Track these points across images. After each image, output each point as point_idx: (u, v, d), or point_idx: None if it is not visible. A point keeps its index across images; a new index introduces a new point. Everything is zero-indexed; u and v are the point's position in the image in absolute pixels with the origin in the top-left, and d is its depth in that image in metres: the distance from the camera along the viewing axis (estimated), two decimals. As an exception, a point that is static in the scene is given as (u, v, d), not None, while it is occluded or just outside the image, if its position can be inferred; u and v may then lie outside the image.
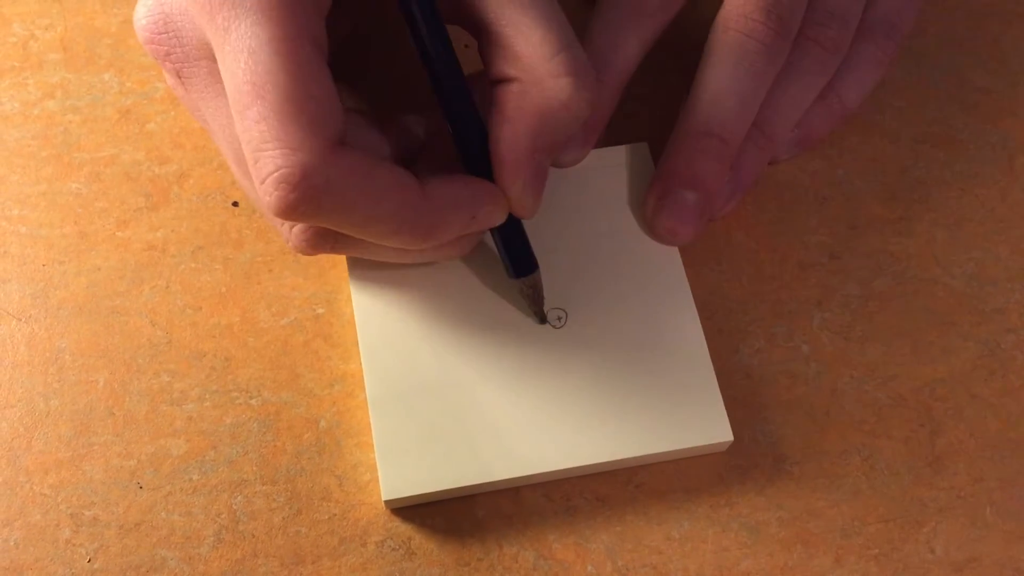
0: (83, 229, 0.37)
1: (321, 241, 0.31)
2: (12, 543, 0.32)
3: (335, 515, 0.33)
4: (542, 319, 0.35)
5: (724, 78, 0.36)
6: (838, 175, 0.40)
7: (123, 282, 0.36)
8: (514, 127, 0.30)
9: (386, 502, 0.32)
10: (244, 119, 0.27)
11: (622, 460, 0.33)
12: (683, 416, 0.34)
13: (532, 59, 0.30)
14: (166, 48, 0.31)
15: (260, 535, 0.33)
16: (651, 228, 0.36)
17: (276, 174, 0.27)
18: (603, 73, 0.37)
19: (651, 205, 0.36)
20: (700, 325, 0.35)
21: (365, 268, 0.35)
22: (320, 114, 0.27)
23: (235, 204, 0.38)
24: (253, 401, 0.35)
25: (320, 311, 0.36)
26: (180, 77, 0.31)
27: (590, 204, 0.37)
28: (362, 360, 0.34)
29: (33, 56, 0.40)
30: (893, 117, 0.41)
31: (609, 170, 0.38)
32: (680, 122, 0.37)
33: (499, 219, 0.32)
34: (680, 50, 0.39)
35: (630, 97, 0.38)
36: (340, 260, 0.37)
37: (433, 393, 0.33)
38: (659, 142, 0.37)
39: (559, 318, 0.35)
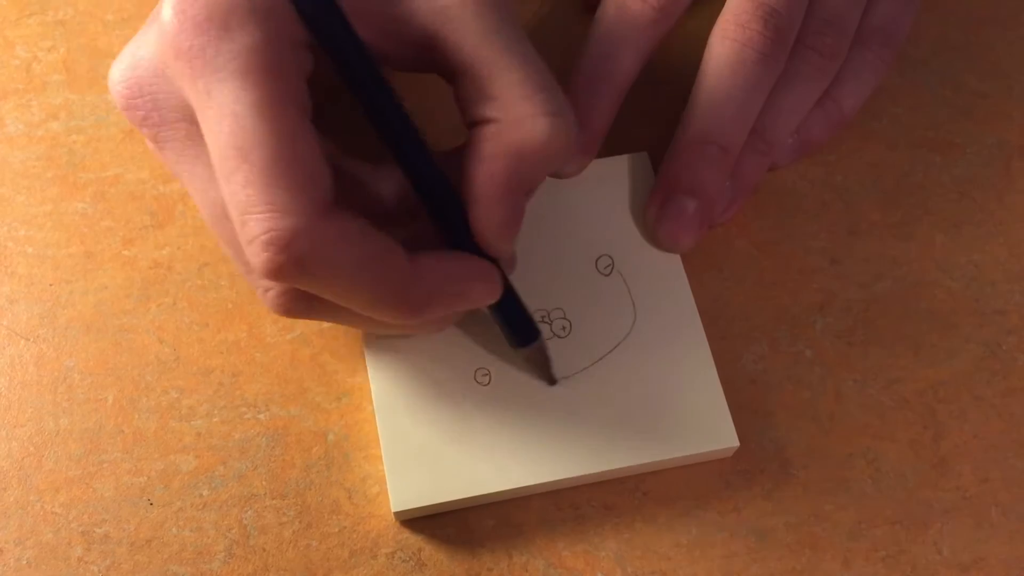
0: (89, 248, 0.37)
1: (296, 306, 0.31)
2: (24, 562, 0.32)
3: (345, 528, 0.33)
4: (551, 382, 0.34)
5: (722, 87, 0.36)
6: (837, 181, 0.40)
7: (130, 300, 0.36)
8: (490, 166, 0.29)
9: (395, 513, 0.33)
10: (230, 183, 0.27)
11: (630, 468, 0.33)
12: (689, 423, 0.34)
13: (510, 99, 0.29)
14: (143, 113, 0.30)
15: (271, 549, 0.33)
16: (653, 236, 0.37)
17: (264, 236, 0.26)
18: (602, 83, 0.37)
19: (652, 213, 0.37)
20: (703, 332, 0.35)
21: None
22: (308, 176, 0.27)
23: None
24: (261, 416, 0.35)
25: (326, 325, 0.36)
26: (156, 142, 0.31)
27: (592, 214, 0.37)
28: (368, 372, 0.34)
29: (36, 78, 0.41)
30: (890, 123, 0.41)
31: (610, 180, 0.38)
32: (679, 131, 0.37)
33: (492, 297, 0.32)
34: (679, 59, 0.39)
35: (629, 107, 0.38)
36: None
37: (440, 404, 0.34)
38: (659, 151, 0.38)
39: (563, 328, 0.35)
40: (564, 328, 0.35)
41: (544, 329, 0.35)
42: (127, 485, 0.34)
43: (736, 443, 0.34)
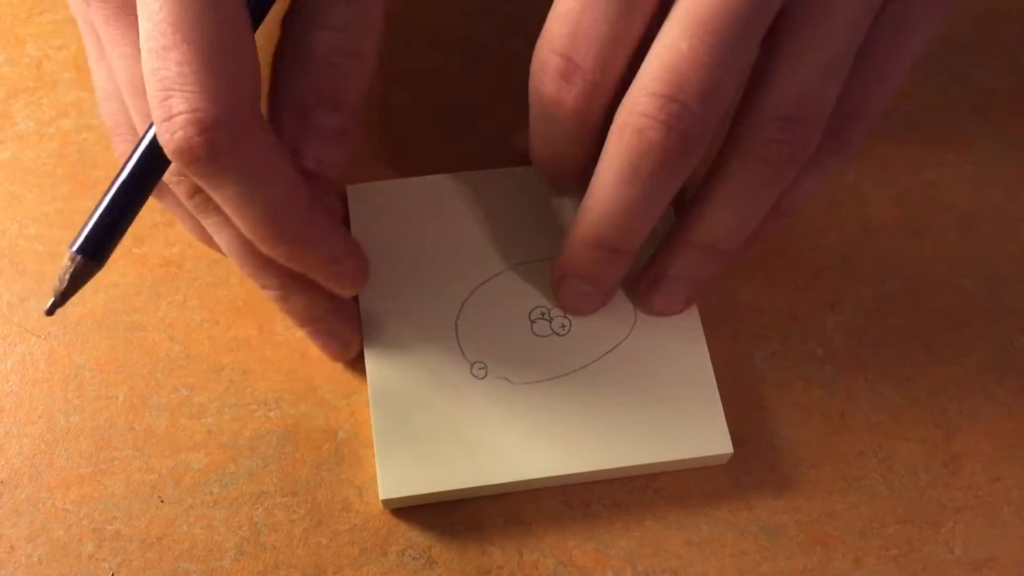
0: (100, 246, 0.37)
1: (199, 205, 0.31)
2: (36, 559, 0.32)
3: (355, 525, 0.33)
4: (50, 308, 0.30)
5: (615, 192, 0.31)
6: (848, 179, 0.40)
7: (141, 298, 0.36)
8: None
9: (384, 502, 0.33)
10: (162, 59, 0.26)
11: (622, 468, 0.33)
12: (684, 426, 0.34)
13: None
14: None
15: (281, 547, 0.33)
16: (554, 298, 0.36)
17: (188, 115, 0.26)
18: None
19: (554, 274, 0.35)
20: (703, 337, 0.35)
21: (372, 266, 0.36)
22: (241, 71, 0.27)
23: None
24: (272, 413, 0.35)
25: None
26: (88, 3, 0.30)
27: None
28: (366, 363, 0.34)
29: (47, 76, 0.41)
30: (901, 121, 0.41)
31: None
32: (578, 217, 0.33)
33: (345, 288, 0.33)
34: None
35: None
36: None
37: (435, 396, 0.34)
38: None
39: (563, 326, 0.35)
40: (563, 326, 0.35)
41: (543, 327, 0.35)
42: (138, 482, 0.34)
43: (730, 450, 0.33)
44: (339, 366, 0.36)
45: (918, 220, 0.39)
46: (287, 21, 0.32)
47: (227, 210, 0.29)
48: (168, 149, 0.27)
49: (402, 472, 0.33)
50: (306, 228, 0.30)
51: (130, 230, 0.37)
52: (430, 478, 0.33)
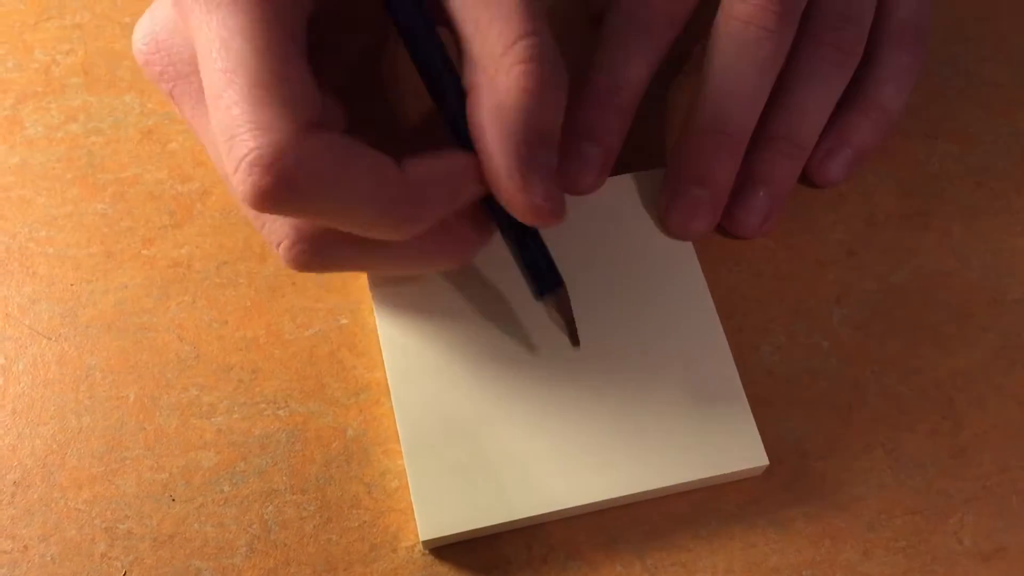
0: (109, 248, 0.38)
1: (309, 251, 0.30)
2: (49, 558, 0.33)
3: (365, 522, 0.33)
4: (574, 340, 0.34)
5: (727, 71, 0.35)
6: (853, 172, 0.40)
7: (150, 299, 0.37)
8: (489, 139, 0.29)
9: (424, 543, 0.32)
10: (217, 109, 0.27)
11: (660, 489, 0.33)
12: (715, 442, 0.33)
13: (487, 58, 0.28)
14: (159, 68, 0.31)
15: (292, 544, 0.33)
16: (664, 225, 0.37)
17: (249, 156, 0.26)
18: (614, 95, 0.37)
19: (663, 203, 0.37)
20: (729, 349, 0.35)
21: (389, 297, 0.36)
22: (292, 96, 0.26)
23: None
24: (281, 412, 0.35)
25: (344, 321, 0.37)
26: (173, 97, 0.31)
27: (610, 230, 0.37)
28: (393, 402, 0.34)
29: (55, 81, 0.41)
30: (906, 113, 0.41)
31: (627, 196, 0.38)
32: (690, 119, 0.37)
33: (480, 189, 0.31)
34: (685, 64, 0.39)
35: (639, 117, 0.38)
36: (362, 273, 0.37)
37: (465, 429, 0.33)
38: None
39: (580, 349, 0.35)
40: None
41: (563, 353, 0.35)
42: (149, 481, 0.34)
43: (765, 462, 0.33)
44: (346, 364, 0.36)
45: (923, 212, 0.39)
46: None
47: (341, 224, 0.28)
48: (247, 201, 0.26)
49: (440, 511, 0.32)
50: (414, 194, 0.29)
51: (139, 232, 0.38)
52: (470, 514, 0.32)
